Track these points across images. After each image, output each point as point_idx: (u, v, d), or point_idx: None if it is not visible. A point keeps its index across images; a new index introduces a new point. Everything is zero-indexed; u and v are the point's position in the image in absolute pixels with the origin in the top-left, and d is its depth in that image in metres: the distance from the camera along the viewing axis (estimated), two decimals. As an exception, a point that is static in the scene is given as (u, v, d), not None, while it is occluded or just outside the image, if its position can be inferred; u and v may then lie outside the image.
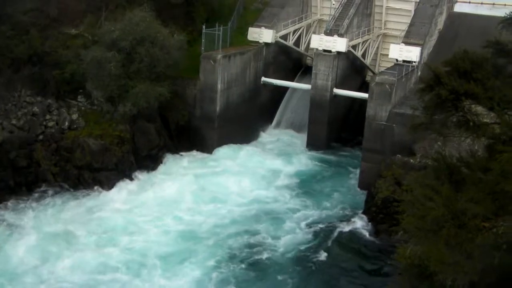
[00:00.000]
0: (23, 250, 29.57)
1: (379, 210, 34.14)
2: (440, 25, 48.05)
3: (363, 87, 47.06)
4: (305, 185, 39.63)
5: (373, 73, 49.29)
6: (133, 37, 37.98)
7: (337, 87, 44.89)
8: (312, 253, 31.65)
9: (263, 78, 47.37)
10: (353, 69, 48.58)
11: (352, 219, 35.26)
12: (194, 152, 42.59)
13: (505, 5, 45.10)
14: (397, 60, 42.88)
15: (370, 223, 34.61)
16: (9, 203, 33.81)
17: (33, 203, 34.15)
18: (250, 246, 31.84)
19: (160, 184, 37.55)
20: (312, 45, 46.36)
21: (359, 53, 47.78)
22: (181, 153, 42.00)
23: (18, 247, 29.77)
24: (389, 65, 44.39)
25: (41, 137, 36.77)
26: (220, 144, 43.43)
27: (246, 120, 45.47)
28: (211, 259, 30.27)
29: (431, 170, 13.35)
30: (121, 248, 30.61)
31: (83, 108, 38.91)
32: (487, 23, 41.08)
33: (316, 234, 33.45)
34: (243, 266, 30.00)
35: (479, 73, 12.72)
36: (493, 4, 50.22)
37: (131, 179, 37.50)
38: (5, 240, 30.30)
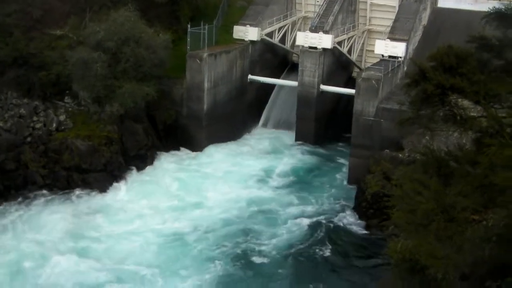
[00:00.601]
0: (12, 254, 29.44)
1: (369, 205, 34.30)
2: (424, 21, 48.26)
3: (350, 83, 47.13)
4: (294, 182, 39.72)
5: (360, 69, 49.40)
6: (118, 37, 37.89)
7: (324, 84, 44.99)
8: (303, 249, 31.75)
9: (249, 76, 47.39)
10: (339, 65, 48.68)
11: (343, 215, 35.41)
12: (183, 151, 42.57)
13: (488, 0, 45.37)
14: (383, 55, 43.04)
15: (360, 219, 34.76)
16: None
17: (23, 206, 33.94)
18: (240, 243, 31.84)
19: (149, 185, 37.46)
20: (297, 42, 46.44)
21: (344, 49, 47.91)
22: (170, 152, 41.96)
23: (8, 251, 29.63)
24: (375, 61, 44.49)
25: (29, 139, 36.64)
26: (208, 142, 43.43)
27: (233, 118, 45.50)
28: (204, 258, 30.32)
29: (419, 164, 13.46)
30: (110, 252, 30.50)
31: (70, 109, 38.80)
32: (470, 18, 41.22)
33: (306, 231, 33.54)
34: (232, 264, 30.03)
35: (464, 68, 12.82)
36: (477, -2, 50.48)
37: (121, 179, 37.35)
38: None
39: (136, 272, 28.72)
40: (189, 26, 42.25)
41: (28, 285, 27.43)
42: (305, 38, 44.87)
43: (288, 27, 51.30)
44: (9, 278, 27.69)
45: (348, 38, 48.41)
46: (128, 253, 30.35)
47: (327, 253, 31.70)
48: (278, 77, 50.36)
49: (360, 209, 35.14)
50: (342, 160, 43.02)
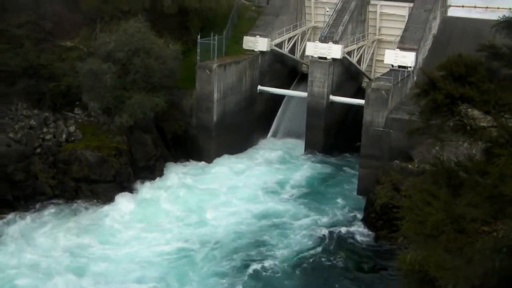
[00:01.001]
0: (22, 265, 29.41)
1: (378, 216, 34.13)
2: (434, 30, 48.21)
3: (359, 93, 47.12)
4: (303, 193, 39.59)
5: (369, 79, 49.37)
6: (128, 48, 38.00)
7: (333, 94, 44.94)
8: (312, 261, 31.57)
9: (259, 87, 47.42)
10: (349, 76, 48.66)
11: (352, 226, 35.24)
12: (192, 162, 42.54)
13: (498, 8, 45.34)
14: (392, 65, 42.98)
15: (369, 230, 34.58)
16: (8, 217, 33.63)
17: (32, 217, 33.98)
18: (250, 256, 31.67)
19: (159, 196, 37.42)
20: (307, 53, 46.48)
21: (354, 60, 47.88)
22: (179, 163, 41.97)
23: (17, 262, 29.62)
24: (385, 70, 44.46)
25: (38, 150, 36.71)
26: (218, 153, 43.41)
27: (243, 128, 45.49)
28: (215, 267, 30.24)
29: (429, 175, 13.33)
30: (122, 261, 30.44)
31: (80, 120, 38.92)
32: (480, 26, 41.19)
33: (315, 242, 33.37)
34: (241, 276, 29.82)
35: (474, 77, 12.72)
36: (486, 7, 50.43)
37: (130, 191, 37.34)
38: (4, 255, 30.14)
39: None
40: (198, 37, 42.36)
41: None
42: (314, 49, 44.88)
43: (298, 37, 51.38)
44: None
45: (358, 48, 48.41)
46: (135, 266, 30.18)
47: (336, 264, 31.52)
48: (287, 87, 50.39)
49: (369, 220, 34.96)
50: (351, 171, 42.89)
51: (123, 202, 36.12)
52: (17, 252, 30.52)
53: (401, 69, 42.16)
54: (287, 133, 49.64)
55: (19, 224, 33.17)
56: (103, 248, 31.61)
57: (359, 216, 36.23)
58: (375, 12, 50.23)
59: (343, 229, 34.86)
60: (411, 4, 47.96)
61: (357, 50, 48.45)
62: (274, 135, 49.83)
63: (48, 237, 32.16)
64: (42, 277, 28.54)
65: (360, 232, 34.63)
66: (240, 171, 41.99)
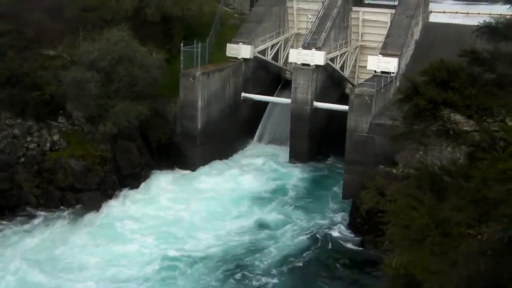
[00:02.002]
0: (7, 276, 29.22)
1: (364, 221, 34.26)
2: (416, 36, 48.55)
3: (343, 99, 47.28)
4: (289, 198, 39.69)
5: (352, 85, 49.57)
6: (112, 57, 37.97)
7: (317, 100, 45.09)
8: (297, 266, 31.67)
9: (243, 94, 47.48)
10: (332, 82, 48.85)
11: (338, 231, 35.36)
12: (176, 170, 42.46)
13: (478, 13, 45.76)
14: (375, 71, 43.19)
15: (355, 235, 34.70)
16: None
17: (16, 227, 33.77)
18: (235, 263, 31.71)
19: (142, 204, 37.32)
20: (290, 59, 46.63)
21: (337, 66, 48.09)
22: (163, 171, 41.86)
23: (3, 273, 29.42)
24: (368, 76, 44.65)
25: (22, 159, 36.56)
26: (202, 160, 43.39)
27: (227, 136, 45.50)
28: (203, 275, 30.16)
29: (413, 179, 13.41)
30: (107, 272, 30.32)
31: (64, 129, 38.77)
32: (462, 32, 41.49)
33: (301, 248, 33.46)
34: (225, 280, 29.90)
35: (456, 82, 12.82)
36: (467, 13, 50.88)
37: (114, 198, 37.21)
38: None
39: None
40: (182, 44, 42.35)
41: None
42: (297, 55, 45.02)
43: (281, 44, 51.51)
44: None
45: (341, 55, 48.63)
46: (119, 275, 30.09)
47: (322, 269, 31.66)
48: (271, 94, 50.49)
49: (355, 225, 35.10)
50: (336, 177, 43.01)
51: (107, 210, 36.05)
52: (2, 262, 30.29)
53: (384, 74, 42.38)
54: (271, 140, 49.70)
55: (4, 234, 32.94)
56: (84, 256, 31.47)
57: (345, 221, 36.36)
58: (358, 18, 50.50)
59: (329, 235, 34.99)
60: (393, 10, 48.31)
61: (340, 57, 48.67)
62: (259, 141, 49.87)
63: (35, 246, 31.95)
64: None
65: (346, 237, 34.77)
66: (225, 178, 41.95)
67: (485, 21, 14.14)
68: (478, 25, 14.15)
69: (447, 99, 12.48)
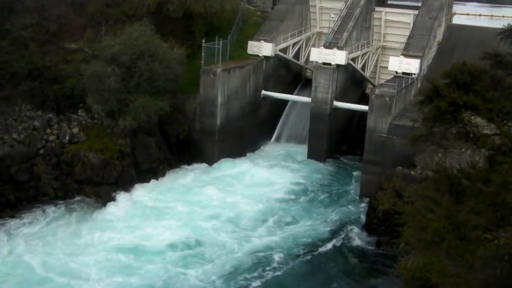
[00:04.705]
0: (22, 266, 29.47)
1: (380, 222, 34.13)
2: (439, 37, 48.23)
3: (363, 100, 47.15)
4: (306, 196, 39.61)
5: (373, 85, 49.39)
6: (133, 52, 38.09)
7: (337, 100, 44.96)
8: (311, 265, 31.60)
9: (263, 92, 47.47)
10: (353, 82, 48.68)
11: (354, 232, 35.23)
12: (195, 166, 42.56)
13: (503, 16, 45.43)
14: (396, 72, 42.99)
15: (371, 235, 34.57)
16: (9, 219, 33.66)
17: (34, 218, 34.01)
18: (249, 258, 31.68)
19: (160, 199, 37.44)
20: (311, 58, 46.49)
21: (358, 66, 47.92)
22: (182, 166, 41.99)
23: (20, 263, 29.65)
24: (389, 77, 44.49)
25: (41, 151, 36.81)
26: (220, 157, 43.44)
27: (246, 133, 45.53)
28: (215, 272, 30.19)
29: (431, 181, 13.34)
30: (121, 266, 30.45)
31: (83, 122, 39.00)
32: (485, 34, 41.29)
33: (316, 247, 33.37)
34: (242, 277, 29.91)
35: (478, 85, 12.73)
36: (491, 15, 50.50)
37: (132, 193, 37.30)
38: (6, 257, 30.15)
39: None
40: (203, 41, 42.40)
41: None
42: (319, 54, 44.91)
43: (302, 42, 51.44)
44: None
45: (362, 55, 48.45)
46: (131, 267, 30.27)
47: (337, 269, 31.55)
48: (291, 92, 50.43)
49: (371, 226, 34.95)
50: (354, 177, 42.90)
51: (125, 204, 36.07)
52: (26, 253, 30.50)
53: (405, 76, 42.17)
54: (290, 138, 49.67)
55: (21, 225, 33.20)
56: (101, 252, 31.63)
57: (361, 222, 36.23)
58: (380, 19, 50.28)
59: (345, 234, 34.88)
60: (416, 11, 48.03)
61: (362, 57, 48.49)
62: (277, 140, 49.85)
63: (52, 237, 32.17)
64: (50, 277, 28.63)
65: (362, 237, 34.63)
66: (243, 174, 41.99)
67: (509, 24, 14.01)
68: (502, 28, 14.03)
69: (468, 101, 12.39)
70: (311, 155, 45.71)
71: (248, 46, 47.20)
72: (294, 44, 50.04)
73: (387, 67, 45.90)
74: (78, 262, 30.02)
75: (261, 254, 32.28)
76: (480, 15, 52.01)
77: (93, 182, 36.54)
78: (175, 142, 42.52)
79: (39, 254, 30.44)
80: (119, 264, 30.20)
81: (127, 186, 37.40)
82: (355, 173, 43.12)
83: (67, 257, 30.39)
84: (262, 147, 48.19)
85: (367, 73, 49.96)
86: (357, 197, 39.76)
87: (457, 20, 52.60)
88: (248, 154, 46.09)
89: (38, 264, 29.52)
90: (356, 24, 46.92)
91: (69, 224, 33.75)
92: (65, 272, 29.06)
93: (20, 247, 30.89)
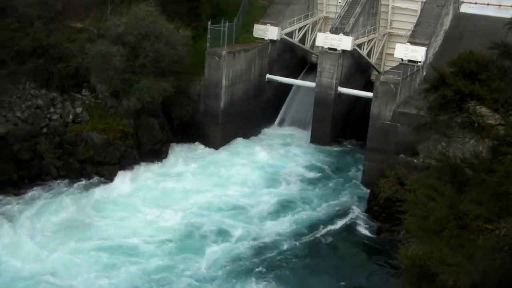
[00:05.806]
0: (24, 245, 29.57)
1: (381, 210, 34.19)
2: (446, 26, 47.98)
3: (368, 86, 46.99)
4: (308, 181, 39.61)
5: (378, 72, 49.24)
6: (138, 32, 37.96)
7: (341, 86, 44.85)
8: (313, 250, 31.63)
9: (267, 75, 47.34)
10: (358, 68, 48.53)
11: (354, 218, 35.27)
12: (198, 147, 42.61)
13: (511, 6, 45.08)
14: (402, 59, 42.82)
15: (372, 222, 34.62)
16: (12, 196, 33.72)
17: (36, 196, 34.07)
18: (249, 243, 31.73)
19: (162, 179, 37.52)
20: (317, 43, 46.27)
21: (364, 52, 47.73)
22: (184, 147, 42.00)
23: (20, 242, 29.75)
24: (394, 64, 44.35)
25: (45, 130, 36.77)
26: (224, 140, 43.43)
27: (250, 116, 45.46)
28: (216, 254, 30.29)
29: (434, 170, 13.33)
30: (121, 242, 30.59)
31: (87, 101, 38.94)
32: (493, 24, 40.98)
33: (316, 233, 33.41)
34: (242, 261, 29.99)
35: (484, 75, 12.67)
36: (499, 5, 50.12)
37: (134, 173, 37.38)
38: (8, 232, 30.23)
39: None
40: (209, 23, 42.22)
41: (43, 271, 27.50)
42: (325, 39, 44.74)
43: (309, 27, 51.22)
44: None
45: (368, 41, 48.24)
46: (128, 248, 30.33)
47: (337, 255, 31.58)
48: (296, 77, 50.28)
49: (372, 213, 35.01)
50: (356, 163, 42.87)
51: (125, 184, 36.21)
52: (31, 230, 30.65)
53: (410, 63, 42.01)
54: (293, 123, 49.62)
55: (23, 203, 33.28)
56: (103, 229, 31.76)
57: (362, 208, 36.25)
58: (387, 5, 49.98)
59: (345, 220, 34.92)
60: (424, -1, 47.78)
61: (368, 43, 48.28)
62: (281, 124, 49.79)
63: (50, 216, 32.28)
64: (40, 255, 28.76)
65: (363, 224, 34.66)
66: (244, 158, 42.00)
67: (517, 13, 13.91)
68: (510, 18, 13.93)
69: (474, 91, 12.35)
70: (314, 140, 45.69)
71: (254, 29, 46.98)
72: (300, 29, 49.83)
73: (393, 54, 45.71)
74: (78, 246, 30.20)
75: (260, 240, 32.31)
76: (488, 4, 51.57)
77: (96, 162, 36.54)
78: (179, 124, 42.46)
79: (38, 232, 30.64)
80: (122, 250, 30.30)
81: (129, 166, 37.47)
82: (358, 160, 43.07)
83: (66, 236, 30.57)
84: (265, 131, 48.14)
85: (373, 60, 49.77)
86: (359, 184, 39.74)
87: (465, 8, 52.24)
88: (251, 137, 46.07)
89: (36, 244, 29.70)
90: (363, 10, 46.67)
91: (72, 201, 33.83)
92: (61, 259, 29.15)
93: (21, 227, 31.00)
